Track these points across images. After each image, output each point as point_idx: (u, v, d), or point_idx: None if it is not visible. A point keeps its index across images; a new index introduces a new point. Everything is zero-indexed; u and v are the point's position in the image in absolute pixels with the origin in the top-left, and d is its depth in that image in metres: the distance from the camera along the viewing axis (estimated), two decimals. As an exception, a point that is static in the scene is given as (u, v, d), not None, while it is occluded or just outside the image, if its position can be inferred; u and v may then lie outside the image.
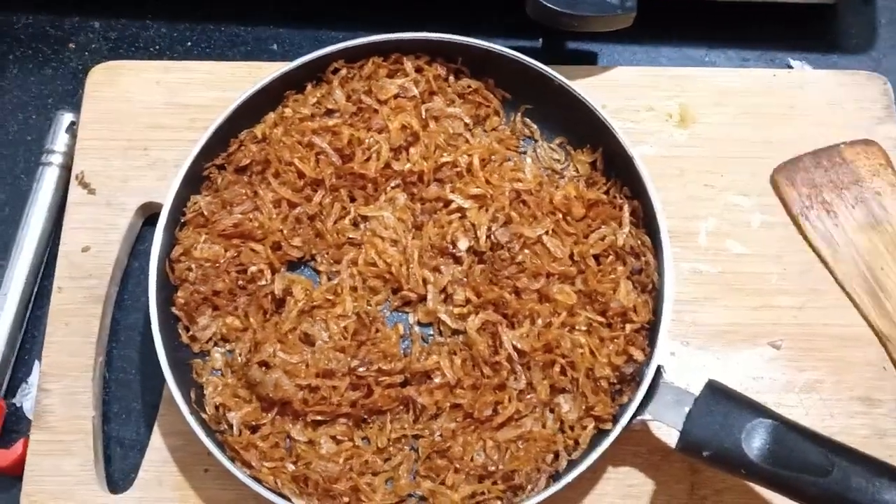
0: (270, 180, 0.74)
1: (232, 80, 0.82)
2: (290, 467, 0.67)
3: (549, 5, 0.76)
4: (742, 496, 0.69)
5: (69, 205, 0.79)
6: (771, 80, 0.83)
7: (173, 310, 0.72)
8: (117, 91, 0.82)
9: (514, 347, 0.68)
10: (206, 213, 0.74)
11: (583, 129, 0.76)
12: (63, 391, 0.73)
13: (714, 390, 0.65)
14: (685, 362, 0.74)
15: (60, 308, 0.75)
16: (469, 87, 0.79)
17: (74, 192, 0.79)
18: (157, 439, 0.72)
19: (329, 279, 0.74)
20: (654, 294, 0.70)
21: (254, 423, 0.69)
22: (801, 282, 0.76)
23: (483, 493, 0.67)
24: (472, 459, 0.67)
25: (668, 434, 0.69)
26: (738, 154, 0.80)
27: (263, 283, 0.73)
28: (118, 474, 0.73)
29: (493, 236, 0.72)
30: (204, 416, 0.69)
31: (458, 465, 0.67)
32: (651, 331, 0.70)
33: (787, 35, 0.87)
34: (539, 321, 0.69)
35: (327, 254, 0.75)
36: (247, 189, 0.75)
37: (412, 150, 0.76)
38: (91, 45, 0.89)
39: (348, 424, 0.69)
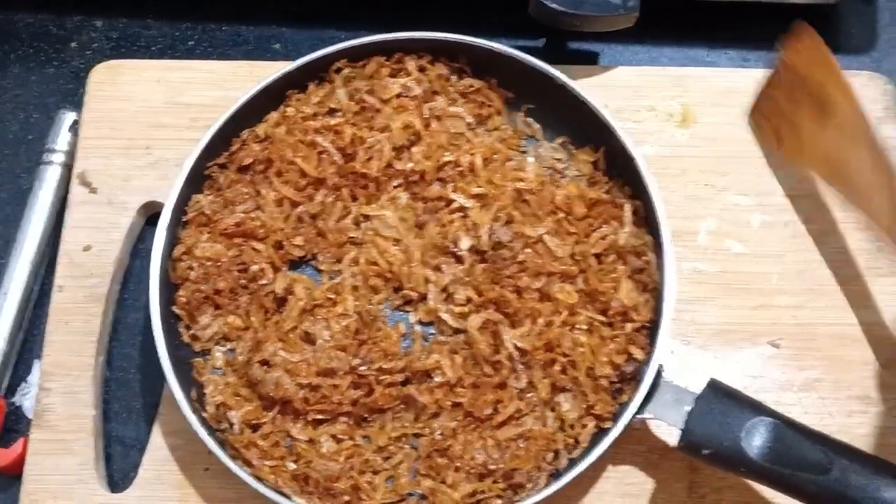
0: (273, 179, 0.75)
1: (234, 80, 0.82)
2: (291, 466, 0.68)
3: (551, 5, 0.76)
4: (741, 494, 0.70)
5: (70, 204, 0.79)
6: (771, 80, 0.83)
7: (174, 309, 0.72)
8: (119, 90, 0.82)
9: (515, 346, 0.68)
10: (207, 212, 0.74)
11: (585, 128, 0.76)
12: (63, 390, 0.73)
13: (714, 389, 0.65)
14: (685, 361, 0.74)
15: (61, 307, 0.75)
16: (471, 86, 0.79)
17: (76, 191, 0.79)
18: (157, 438, 0.72)
19: (330, 278, 0.74)
20: (655, 293, 0.71)
21: (254, 421, 0.69)
22: (801, 281, 0.76)
23: (483, 492, 0.67)
24: (472, 458, 0.67)
25: (668, 433, 0.69)
26: (739, 154, 0.80)
27: (265, 282, 0.73)
28: (118, 473, 0.73)
29: (494, 235, 0.72)
30: (205, 414, 0.69)
31: (458, 464, 0.67)
32: (652, 330, 0.70)
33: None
34: (540, 320, 0.69)
35: (329, 253, 0.75)
36: (249, 188, 0.75)
37: (414, 149, 0.76)
38: (93, 45, 0.89)
39: (349, 423, 0.69)
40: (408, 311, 0.74)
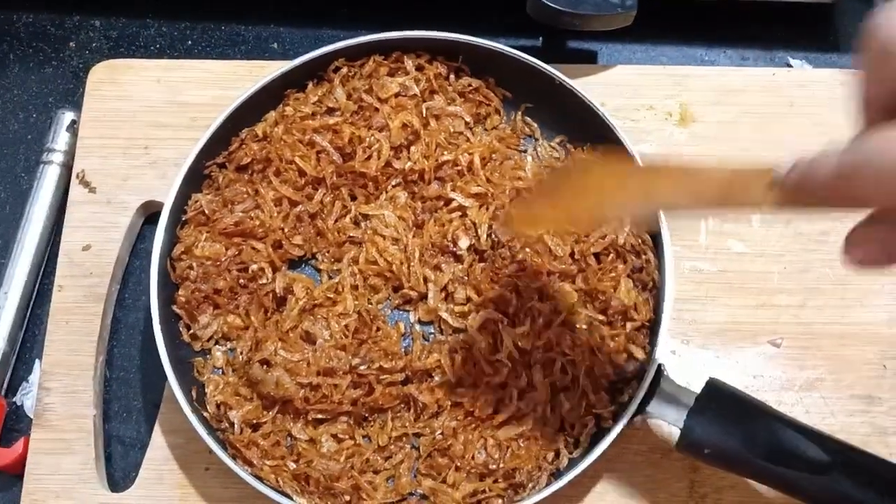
0: (271, 178, 0.75)
1: (233, 79, 0.82)
2: (292, 465, 0.68)
3: (549, 4, 0.76)
4: (742, 494, 0.70)
5: (70, 203, 0.79)
6: (771, 78, 0.83)
7: (174, 308, 0.72)
8: (118, 90, 0.82)
9: (515, 345, 0.68)
10: (207, 211, 0.74)
11: (583, 127, 0.76)
12: (64, 390, 0.73)
13: (715, 388, 0.65)
14: (686, 361, 0.74)
15: (61, 307, 0.75)
16: (470, 85, 0.79)
17: (75, 190, 0.79)
18: (158, 438, 0.72)
19: (330, 277, 0.74)
20: (655, 292, 0.71)
21: (255, 421, 0.69)
22: (802, 280, 0.76)
23: (484, 492, 0.67)
24: (473, 458, 0.67)
25: (668, 432, 0.69)
26: (738, 153, 0.80)
27: (264, 281, 0.73)
28: (119, 473, 0.73)
29: (493, 234, 0.72)
30: (205, 414, 0.69)
31: (459, 464, 0.67)
32: (652, 329, 0.70)
33: (787, 34, 0.87)
34: (540, 319, 0.69)
35: (328, 252, 0.75)
36: (248, 187, 0.75)
37: (413, 148, 0.76)
38: (92, 44, 0.89)
39: (349, 423, 0.69)
40: (408, 311, 0.74)
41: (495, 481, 0.67)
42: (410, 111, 0.76)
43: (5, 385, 0.76)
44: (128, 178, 0.79)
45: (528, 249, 0.71)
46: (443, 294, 0.72)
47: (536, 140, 0.79)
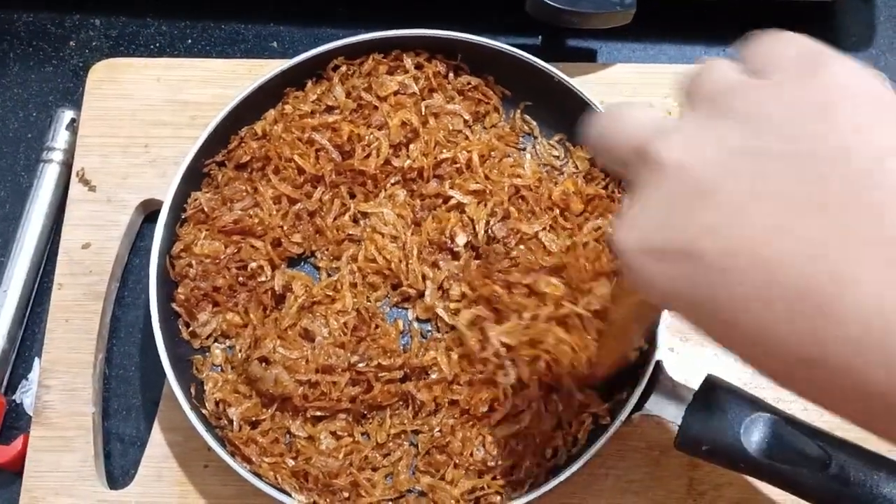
0: (270, 177, 0.75)
1: (232, 78, 0.82)
2: (290, 462, 0.68)
3: (548, 2, 0.76)
4: (741, 491, 0.70)
5: (69, 202, 0.79)
6: (770, 77, 0.83)
7: (173, 306, 0.72)
8: (118, 88, 0.82)
9: (501, 342, 0.68)
10: (206, 209, 0.74)
11: (582, 125, 0.76)
12: (63, 387, 0.73)
13: (713, 385, 0.65)
14: (684, 358, 0.74)
15: (60, 305, 0.75)
16: (469, 83, 0.79)
17: (75, 189, 0.79)
18: (157, 435, 0.72)
19: (329, 275, 0.74)
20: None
21: (254, 418, 0.69)
22: (800, 278, 0.76)
23: (483, 488, 0.67)
24: (471, 455, 0.67)
25: (667, 429, 0.69)
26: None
27: (263, 279, 0.73)
28: (118, 470, 0.73)
29: (490, 231, 0.72)
30: (204, 411, 0.69)
31: (457, 461, 0.67)
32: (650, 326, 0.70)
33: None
34: (526, 314, 0.69)
35: (327, 250, 0.75)
36: (247, 185, 0.75)
37: (412, 146, 0.76)
38: (91, 43, 0.89)
39: (348, 420, 0.69)
40: (406, 308, 0.74)
41: (494, 478, 0.67)
42: (409, 109, 0.76)
43: (5, 383, 0.76)
44: (127, 177, 0.79)
45: (521, 246, 0.71)
46: (440, 291, 0.72)
47: (535, 138, 0.79)
